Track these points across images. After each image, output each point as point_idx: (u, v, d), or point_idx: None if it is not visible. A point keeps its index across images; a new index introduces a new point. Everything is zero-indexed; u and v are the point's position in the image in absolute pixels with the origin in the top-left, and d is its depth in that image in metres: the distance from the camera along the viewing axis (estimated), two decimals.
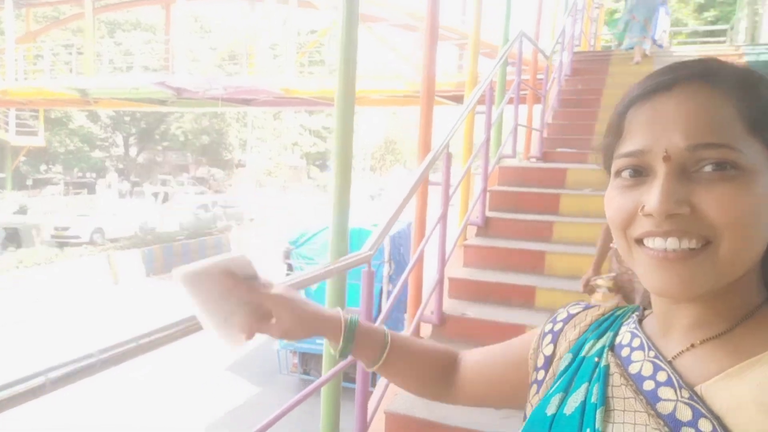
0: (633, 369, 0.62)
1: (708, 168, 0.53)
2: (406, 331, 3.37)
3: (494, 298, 3.64)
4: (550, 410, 0.66)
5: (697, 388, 0.56)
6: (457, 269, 3.89)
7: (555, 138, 5.70)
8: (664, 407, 0.56)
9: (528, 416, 0.71)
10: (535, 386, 0.75)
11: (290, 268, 7.95)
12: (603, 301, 2.55)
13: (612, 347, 0.67)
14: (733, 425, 0.52)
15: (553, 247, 3.91)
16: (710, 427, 0.52)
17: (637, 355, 0.63)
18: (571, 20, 7.12)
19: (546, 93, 5.83)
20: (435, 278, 3.38)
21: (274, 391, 8.23)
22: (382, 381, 2.96)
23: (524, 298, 3.57)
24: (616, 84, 6.62)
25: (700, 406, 0.54)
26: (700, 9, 19.52)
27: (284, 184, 34.37)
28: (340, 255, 2.60)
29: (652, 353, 0.62)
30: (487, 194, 4.29)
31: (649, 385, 0.59)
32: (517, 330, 3.26)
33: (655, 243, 0.55)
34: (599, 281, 2.55)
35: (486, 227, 4.23)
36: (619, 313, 0.73)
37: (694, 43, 13.21)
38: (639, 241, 0.57)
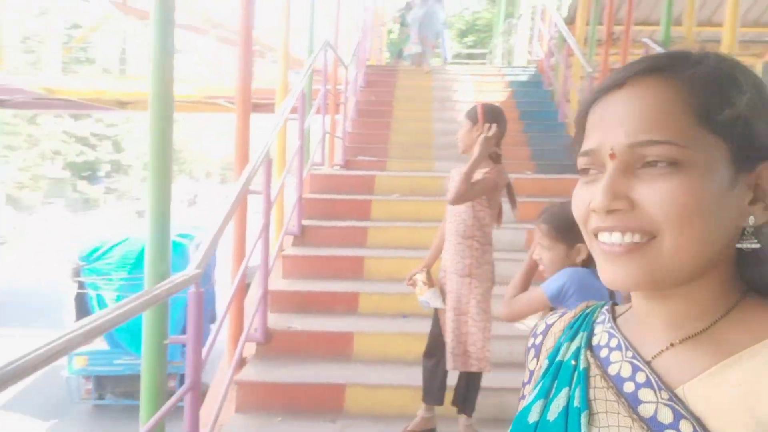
0: (612, 370, 0.62)
1: (650, 164, 0.54)
2: (230, 357, 3.12)
3: (318, 308, 3.59)
4: (533, 418, 0.64)
5: (678, 389, 0.56)
6: (277, 281, 3.75)
7: (355, 146, 5.89)
8: (646, 410, 0.56)
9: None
10: (522, 402, 0.73)
11: (81, 286, 6.87)
12: (419, 293, 2.70)
13: (590, 348, 0.66)
14: (714, 427, 0.52)
15: (370, 252, 4.01)
16: (691, 429, 0.52)
17: (615, 356, 0.63)
18: (362, 34, 7.48)
19: (345, 102, 6.00)
20: (258, 293, 3.20)
21: (66, 424, 7.22)
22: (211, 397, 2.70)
23: (348, 304, 3.59)
24: (405, 97, 7.14)
25: (681, 408, 0.54)
26: (462, 34, 22.31)
27: (44, 200, 29.74)
28: (161, 278, 2.28)
29: (629, 353, 0.61)
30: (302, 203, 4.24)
31: (629, 387, 0.59)
32: (344, 338, 3.24)
33: (603, 237, 0.57)
34: (417, 275, 2.72)
35: (303, 236, 4.17)
36: (588, 311, 0.73)
37: (461, 63, 14.87)
38: (595, 235, 0.59)
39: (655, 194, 0.54)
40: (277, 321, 3.41)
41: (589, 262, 1.82)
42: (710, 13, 8.18)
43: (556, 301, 1.84)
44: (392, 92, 7.30)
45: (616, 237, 0.55)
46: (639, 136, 0.54)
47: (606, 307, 0.71)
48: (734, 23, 4.19)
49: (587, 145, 0.59)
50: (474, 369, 2.60)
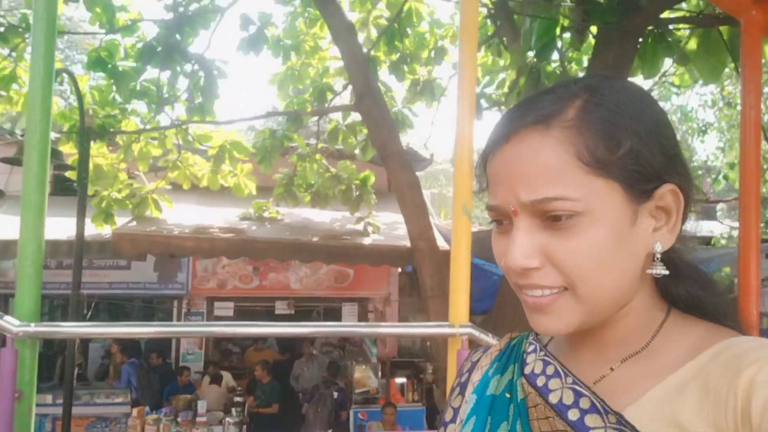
0: (553, 398, 0.61)
1: (551, 219, 0.56)
2: None
3: None
4: None
5: (625, 412, 0.56)
6: None
7: None
8: None
9: None
10: None
11: None
12: None
13: (525, 378, 0.65)
14: None
15: None
16: None
17: (554, 383, 0.62)
18: None
19: None
20: None
21: None
22: None
23: None
24: None
25: (629, 429, 0.54)
26: None
27: None
28: None
29: (569, 379, 0.61)
30: None
31: (574, 415, 0.58)
32: None
33: (525, 291, 0.59)
34: None
35: None
36: (514, 342, 0.73)
37: None
38: (515, 286, 0.60)
39: (563, 250, 0.55)
40: None
41: None
42: None
43: None
44: None
45: (536, 292, 0.57)
46: (533, 195, 0.55)
47: (532, 337, 0.71)
48: None
49: (492, 200, 0.60)
50: None
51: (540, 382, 0.63)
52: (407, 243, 4.01)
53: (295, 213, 6.80)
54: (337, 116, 5.55)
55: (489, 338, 1.66)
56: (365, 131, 4.97)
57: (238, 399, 6.49)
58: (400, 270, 7.73)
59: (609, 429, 0.55)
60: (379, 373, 6.85)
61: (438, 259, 3.63)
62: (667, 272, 0.58)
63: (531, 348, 0.69)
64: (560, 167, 0.55)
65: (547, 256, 0.56)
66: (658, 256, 0.58)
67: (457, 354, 1.65)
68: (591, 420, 0.57)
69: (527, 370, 0.66)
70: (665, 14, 3.30)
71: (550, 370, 0.64)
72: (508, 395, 0.65)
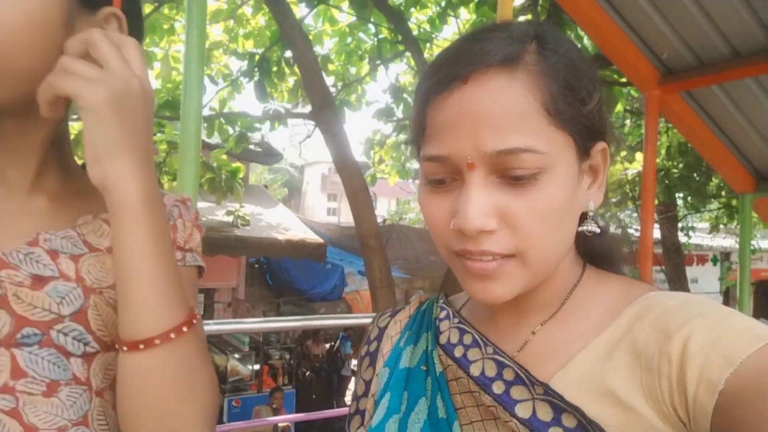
0: (475, 370, 0.56)
1: (515, 173, 0.49)
2: None
3: None
4: None
5: (551, 382, 0.52)
6: None
7: None
8: (524, 410, 0.51)
9: None
10: (357, 417, 0.65)
11: None
12: None
13: (440, 348, 0.60)
14: (592, 412, 0.48)
15: None
16: (574, 422, 0.48)
17: (474, 354, 0.57)
18: None
19: None
20: None
21: None
22: None
23: None
24: None
25: (559, 401, 0.50)
26: None
27: None
28: None
29: (490, 349, 0.57)
30: None
31: (498, 388, 0.54)
32: None
33: (469, 256, 0.52)
34: None
35: None
36: (423, 308, 0.67)
37: None
38: (456, 253, 0.53)
39: (526, 210, 0.49)
40: None
41: None
42: None
43: None
44: None
45: (485, 258, 0.51)
46: (500, 144, 0.48)
47: (442, 301, 0.66)
48: None
49: (435, 149, 0.52)
50: None
51: (458, 352, 0.58)
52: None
53: None
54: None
55: None
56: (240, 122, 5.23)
57: None
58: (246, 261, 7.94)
59: (537, 401, 0.51)
60: (253, 361, 6.84)
61: (384, 254, 4.07)
62: (599, 230, 0.56)
63: (443, 314, 0.63)
64: (528, 115, 0.48)
65: (503, 217, 0.50)
66: (591, 214, 0.56)
67: None
68: (517, 392, 0.53)
69: (442, 339, 0.61)
70: None
71: (467, 339, 0.59)
72: (424, 368, 0.60)
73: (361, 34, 5.35)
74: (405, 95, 5.40)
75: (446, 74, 0.51)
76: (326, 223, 9.77)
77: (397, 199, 21.98)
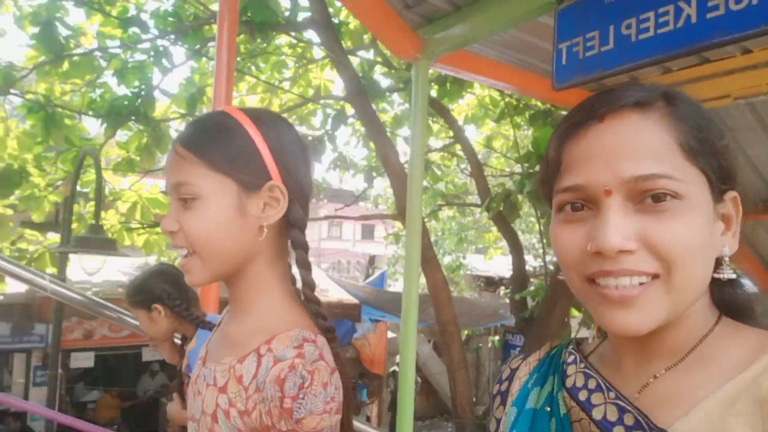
0: (597, 414, 0.57)
1: (651, 199, 0.52)
2: None
3: None
4: None
5: (672, 429, 0.52)
6: None
7: None
8: None
9: None
10: None
11: None
12: None
13: (566, 391, 0.62)
14: None
15: None
16: None
17: (597, 398, 0.58)
18: None
19: None
20: None
21: None
22: None
23: None
24: None
25: None
26: None
27: None
28: None
29: (612, 394, 0.57)
30: None
31: None
32: None
33: (607, 281, 0.53)
34: None
35: None
36: (553, 352, 0.69)
37: None
38: (590, 280, 0.54)
39: (665, 231, 0.51)
40: None
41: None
42: None
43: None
44: None
45: (623, 281, 0.52)
46: (639, 170, 0.52)
47: (572, 346, 0.67)
48: None
49: (571, 180, 0.56)
50: None
51: (582, 396, 0.60)
52: None
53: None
54: None
55: None
56: None
57: None
58: None
59: None
60: None
61: (460, 339, 4.70)
62: (735, 276, 0.56)
63: (571, 359, 0.65)
64: (663, 147, 0.53)
65: (643, 239, 0.52)
66: (727, 259, 0.56)
67: None
68: None
69: (569, 382, 0.62)
70: None
71: (592, 384, 0.60)
72: (548, 409, 0.62)
73: None
74: None
75: (583, 115, 0.56)
76: (362, 285, 9.76)
77: None
